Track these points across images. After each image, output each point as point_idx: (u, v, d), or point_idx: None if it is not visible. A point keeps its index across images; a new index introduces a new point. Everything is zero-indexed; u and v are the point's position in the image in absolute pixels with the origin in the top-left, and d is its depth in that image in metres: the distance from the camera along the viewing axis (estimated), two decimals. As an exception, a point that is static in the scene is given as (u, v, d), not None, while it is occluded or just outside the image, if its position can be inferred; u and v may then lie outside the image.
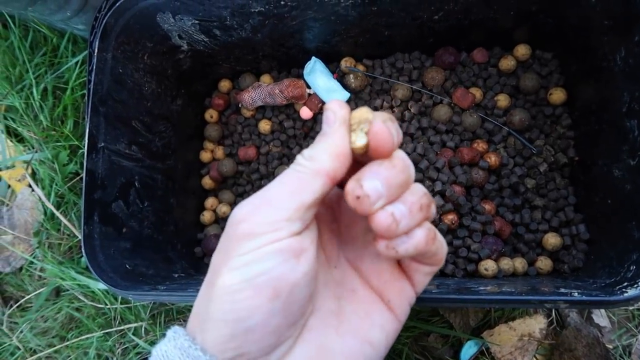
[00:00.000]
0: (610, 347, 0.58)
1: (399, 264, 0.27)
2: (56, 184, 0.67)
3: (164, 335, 0.25)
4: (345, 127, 0.23)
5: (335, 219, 0.28)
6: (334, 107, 0.24)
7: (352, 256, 0.28)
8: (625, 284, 0.36)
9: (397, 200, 0.23)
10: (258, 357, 0.23)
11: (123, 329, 0.65)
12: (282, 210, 0.22)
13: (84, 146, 0.45)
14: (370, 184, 0.22)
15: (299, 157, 0.23)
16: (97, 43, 0.45)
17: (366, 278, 0.27)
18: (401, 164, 0.23)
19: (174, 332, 0.24)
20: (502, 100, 0.53)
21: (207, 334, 0.23)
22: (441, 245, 0.25)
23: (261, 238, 0.22)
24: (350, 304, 0.26)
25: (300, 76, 0.59)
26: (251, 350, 0.22)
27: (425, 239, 0.23)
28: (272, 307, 0.22)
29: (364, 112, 0.23)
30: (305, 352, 0.24)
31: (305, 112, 0.57)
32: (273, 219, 0.22)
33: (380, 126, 0.22)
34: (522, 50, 0.53)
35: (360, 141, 0.23)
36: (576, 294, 0.35)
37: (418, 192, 0.23)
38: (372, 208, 0.22)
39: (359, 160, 0.24)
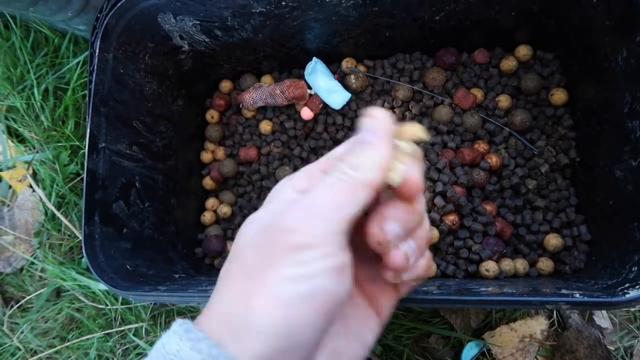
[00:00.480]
0: (612, 348, 0.58)
1: None
2: (57, 185, 0.67)
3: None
4: (391, 140, 0.23)
5: None
6: (381, 116, 0.23)
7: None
8: (627, 285, 0.35)
9: (410, 237, 0.24)
10: None
11: (124, 330, 0.65)
12: (333, 223, 0.22)
13: (85, 146, 0.45)
14: (391, 228, 0.23)
15: (342, 166, 0.23)
16: (98, 43, 0.45)
17: (361, 284, 0.28)
18: (421, 208, 0.24)
19: (187, 331, 0.22)
20: (503, 100, 0.53)
21: (245, 344, 0.21)
22: (432, 264, 0.27)
23: (315, 251, 0.21)
24: (350, 308, 0.27)
25: (301, 77, 0.59)
26: None
27: (426, 267, 0.25)
28: (322, 323, 0.22)
29: (411, 132, 0.24)
30: (323, 358, 0.25)
31: (306, 113, 0.57)
32: (326, 231, 0.21)
33: (416, 176, 0.23)
34: (523, 51, 0.53)
35: (396, 179, 0.23)
36: (578, 295, 0.35)
37: (426, 228, 0.25)
38: (390, 248, 0.23)
39: None
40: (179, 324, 0.22)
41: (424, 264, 0.25)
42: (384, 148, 0.23)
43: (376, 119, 0.23)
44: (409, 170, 0.23)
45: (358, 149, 0.23)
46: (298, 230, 0.21)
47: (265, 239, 0.22)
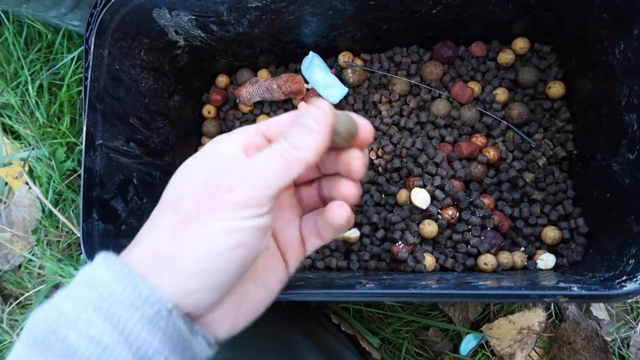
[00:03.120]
0: (609, 339, 0.59)
1: (302, 236, 0.33)
2: (54, 181, 0.67)
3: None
4: (332, 131, 0.27)
5: None
6: (324, 107, 0.27)
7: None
8: (624, 277, 0.36)
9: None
10: (207, 309, 0.26)
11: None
12: (267, 190, 0.25)
13: (82, 144, 0.45)
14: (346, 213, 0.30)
15: (285, 143, 0.26)
16: (93, 40, 0.45)
17: (276, 239, 0.32)
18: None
19: (108, 261, 0.24)
20: (501, 94, 0.53)
21: (169, 279, 0.24)
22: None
23: (248, 210, 0.25)
24: (262, 258, 0.30)
25: (298, 71, 0.58)
26: (205, 305, 0.25)
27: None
28: (238, 272, 0.25)
29: (346, 124, 0.28)
30: (231, 300, 0.27)
31: (304, 108, 0.57)
32: (260, 195, 0.25)
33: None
34: (520, 44, 0.52)
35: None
36: (575, 288, 0.35)
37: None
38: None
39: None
40: (102, 257, 0.25)
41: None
42: (323, 134, 0.26)
43: (320, 110, 0.27)
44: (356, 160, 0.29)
45: (300, 131, 0.26)
46: (238, 189, 0.25)
47: (206, 192, 0.25)
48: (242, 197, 0.25)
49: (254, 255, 0.26)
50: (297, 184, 0.34)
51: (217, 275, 0.24)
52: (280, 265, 0.32)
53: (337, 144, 0.29)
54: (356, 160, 0.29)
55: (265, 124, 0.30)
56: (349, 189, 0.30)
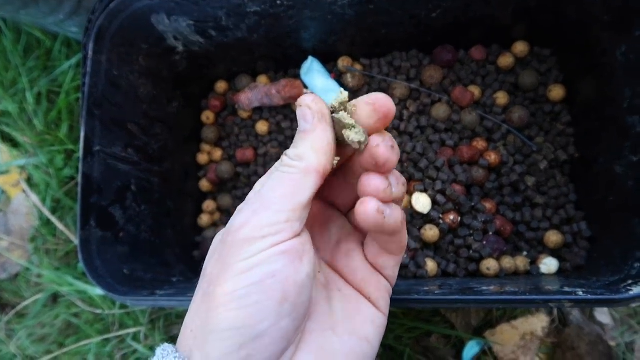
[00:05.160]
0: (613, 344, 0.58)
1: (370, 262, 0.29)
2: (52, 189, 0.67)
3: (160, 344, 0.24)
4: (326, 120, 0.24)
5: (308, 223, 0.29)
6: (308, 102, 0.24)
7: (329, 258, 0.29)
8: (630, 281, 0.35)
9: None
10: None
11: (122, 335, 0.64)
12: (281, 213, 0.22)
13: (80, 150, 0.44)
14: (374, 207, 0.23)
15: (284, 158, 0.24)
16: (91, 46, 0.45)
17: (345, 277, 0.28)
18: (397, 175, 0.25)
19: (163, 350, 0.23)
20: (501, 97, 0.53)
21: (210, 347, 0.21)
22: (406, 233, 0.27)
23: (264, 241, 0.22)
24: (340, 302, 0.27)
25: (297, 76, 0.58)
26: (260, 359, 0.22)
27: (402, 217, 0.25)
28: (281, 310, 0.22)
29: (341, 103, 0.24)
30: (308, 356, 0.24)
31: (303, 113, 0.57)
32: (274, 221, 0.22)
33: (378, 139, 0.23)
34: (520, 47, 0.52)
35: (355, 144, 0.23)
36: (580, 293, 0.34)
37: (399, 175, 0.25)
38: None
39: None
40: (161, 350, 0.23)
41: (401, 213, 0.25)
42: (319, 131, 0.23)
43: (305, 107, 0.24)
44: (378, 145, 0.23)
45: (296, 139, 0.24)
46: (245, 225, 0.22)
47: (221, 245, 0.23)
48: (252, 229, 0.22)
49: (292, 285, 0.22)
50: (346, 210, 0.30)
51: (258, 319, 0.21)
52: (366, 306, 0.27)
53: (351, 140, 0.23)
54: (377, 147, 0.23)
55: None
56: (368, 181, 0.23)
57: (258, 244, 0.22)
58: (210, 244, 0.26)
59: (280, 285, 0.22)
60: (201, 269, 0.26)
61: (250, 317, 0.21)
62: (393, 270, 0.28)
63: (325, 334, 0.25)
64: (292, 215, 0.22)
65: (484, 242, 0.49)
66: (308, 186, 0.23)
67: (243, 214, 0.23)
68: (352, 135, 0.23)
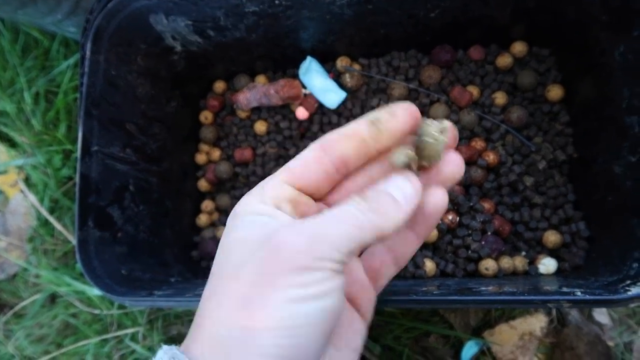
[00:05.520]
0: (612, 344, 0.58)
1: (368, 272, 0.29)
2: (49, 189, 0.67)
3: (160, 345, 0.23)
4: (414, 211, 0.24)
5: None
6: (418, 187, 0.24)
7: None
8: (628, 282, 0.35)
9: None
10: None
11: (120, 335, 0.64)
12: (340, 253, 0.22)
13: (77, 150, 0.44)
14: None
15: (362, 203, 0.23)
16: (89, 45, 0.44)
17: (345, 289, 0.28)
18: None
19: (173, 357, 0.22)
20: (500, 97, 0.53)
21: None
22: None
23: (317, 274, 0.21)
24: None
25: (296, 76, 0.58)
26: None
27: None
28: (325, 341, 0.22)
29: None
30: None
31: (301, 113, 0.57)
32: (330, 257, 0.22)
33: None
34: (519, 47, 0.52)
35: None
36: (579, 293, 0.34)
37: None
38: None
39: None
40: (164, 351, 0.22)
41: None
42: (408, 215, 0.24)
43: (413, 189, 0.24)
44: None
45: (385, 200, 0.23)
46: (304, 252, 0.21)
47: (268, 255, 0.22)
48: (307, 260, 0.21)
49: (336, 318, 0.22)
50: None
51: (304, 351, 0.21)
52: (356, 318, 0.28)
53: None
54: (453, 165, 0.26)
55: (288, 172, 0.26)
56: (439, 197, 0.25)
57: (313, 275, 0.21)
58: (209, 245, 0.25)
59: (329, 318, 0.22)
60: (201, 269, 0.25)
61: (297, 347, 0.21)
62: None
63: (329, 349, 0.26)
64: (341, 257, 0.22)
65: (483, 242, 0.49)
66: (368, 240, 0.23)
67: (301, 235, 0.22)
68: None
